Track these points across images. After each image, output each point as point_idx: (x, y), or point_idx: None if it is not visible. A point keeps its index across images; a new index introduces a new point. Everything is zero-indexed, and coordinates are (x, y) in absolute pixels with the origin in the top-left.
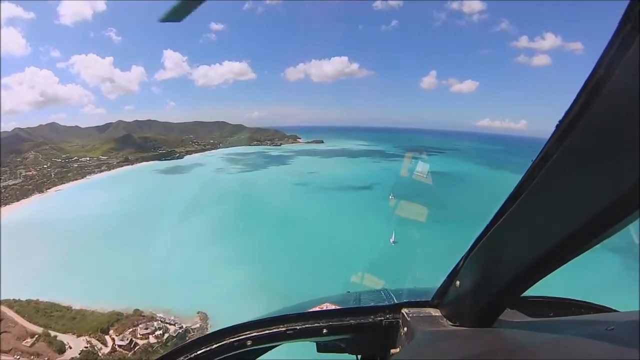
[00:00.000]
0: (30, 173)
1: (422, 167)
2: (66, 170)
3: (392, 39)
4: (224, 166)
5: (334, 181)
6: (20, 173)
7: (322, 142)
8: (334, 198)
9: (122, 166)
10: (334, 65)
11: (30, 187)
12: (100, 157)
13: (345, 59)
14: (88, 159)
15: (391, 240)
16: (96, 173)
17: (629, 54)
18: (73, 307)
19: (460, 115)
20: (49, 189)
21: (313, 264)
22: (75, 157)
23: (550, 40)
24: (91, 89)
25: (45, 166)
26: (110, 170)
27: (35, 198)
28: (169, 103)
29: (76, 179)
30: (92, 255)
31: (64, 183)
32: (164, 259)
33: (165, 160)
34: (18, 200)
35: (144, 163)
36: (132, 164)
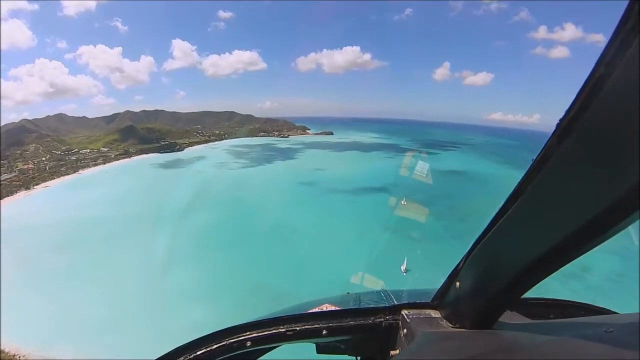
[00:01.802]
0: (27, 166)
1: (422, 166)
2: (63, 163)
3: (405, 29)
4: (226, 160)
5: (345, 181)
6: (17, 166)
7: (331, 133)
8: (344, 204)
9: (119, 159)
10: (346, 56)
11: (19, 182)
12: (102, 149)
13: (357, 49)
14: (88, 150)
15: (402, 268)
16: (90, 167)
17: (629, 53)
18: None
19: (472, 108)
20: (37, 184)
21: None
22: (76, 149)
23: (570, 31)
24: (101, 79)
25: (43, 159)
26: (105, 164)
27: (20, 196)
28: (179, 93)
29: (67, 174)
30: (44, 277)
31: (55, 178)
32: (123, 287)
33: (165, 152)
34: (2, 198)
35: (143, 156)
36: (129, 157)
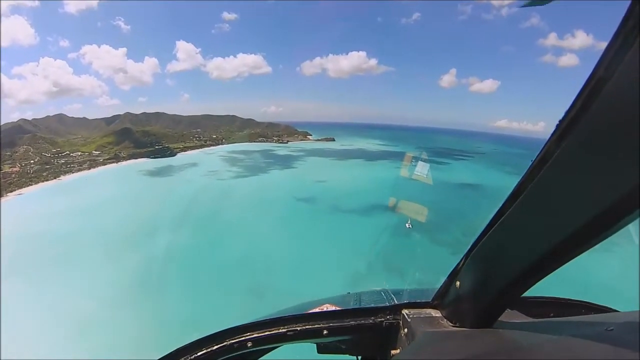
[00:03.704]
0: (12, 170)
1: (422, 167)
2: (49, 166)
3: (412, 34)
4: (219, 167)
5: (349, 196)
6: (2, 169)
7: (333, 140)
8: (351, 227)
9: (106, 164)
10: (352, 61)
11: None
12: (93, 152)
13: (363, 54)
14: (79, 153)
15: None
16: (73, 172)
17: (629, 54)
18: None
19: (477, 115)
20: (12, 191)
21: None
22: (67, 152)
23: (580, 39)
24: (104, 79)
25: (31, 162)
26: (90, 169)
27: None
28: (183, 95)
29: (47, 180)
30: None
31: (32, 184)
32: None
33: (156, 158)
34: None
35: (133, 161)
36: (117, 162)
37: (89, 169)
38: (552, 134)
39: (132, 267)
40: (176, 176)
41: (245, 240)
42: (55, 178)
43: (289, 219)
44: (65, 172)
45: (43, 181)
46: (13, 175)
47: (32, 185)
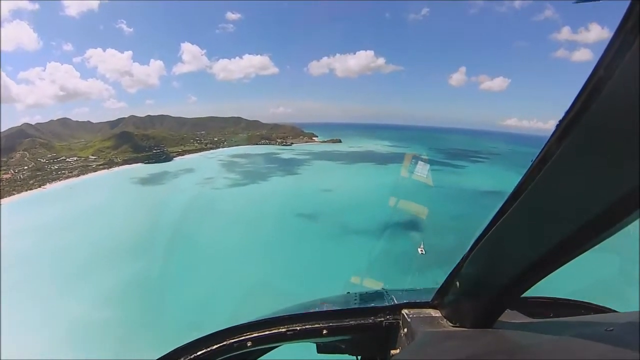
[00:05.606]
0: (6, 176)
1: (422, 167)
2: (40, 173)
3: (421, 31)
4: (215, 174)
5: (360, 211)
6: None
7: (339, 141)
8: (358, 252)
9: (97, 170)
10: (359, 60)
11: None
12: (90, 156)
13: (370, 53)
14: (75, 159)
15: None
16: (60, 180)
17: (629, 54)
18: None
19: (487, 113)
20: None
21: None
22: (63, 157)
23: (595, 32)
24: (111, 83)
25: (25, 168)
26: (79, 176)
27: None
28: (190, 97)
29: (31, 189)
30: None
31: (15, 194)
32: None
33: (150, 163)
34: None
35: (125, 167)
36: (109, 168)
37: (78, 175)
38: (552, 134)
39: (101, 295)
40: (168, 184)
41: (227, 269)
42: (40, 186)
43: (284, 243)
44: (52, 180)
45: (27, 190)
46: (2, 184)
47: (14, 194)
